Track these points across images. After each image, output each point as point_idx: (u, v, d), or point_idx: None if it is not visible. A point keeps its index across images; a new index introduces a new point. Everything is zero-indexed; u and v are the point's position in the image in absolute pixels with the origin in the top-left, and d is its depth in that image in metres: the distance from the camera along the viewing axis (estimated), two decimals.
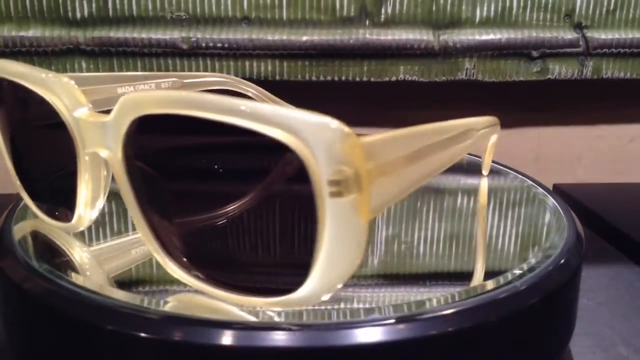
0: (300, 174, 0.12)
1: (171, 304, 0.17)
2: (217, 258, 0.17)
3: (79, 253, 0.20)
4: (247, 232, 0.19)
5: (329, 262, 0.13)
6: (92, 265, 0.19)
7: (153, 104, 0.14)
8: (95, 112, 0.17)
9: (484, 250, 0.22)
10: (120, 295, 0.17)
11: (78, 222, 0.19)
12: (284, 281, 0.15)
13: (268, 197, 0.17)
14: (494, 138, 0.25)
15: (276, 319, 0.16)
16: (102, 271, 0.19)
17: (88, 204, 0.19)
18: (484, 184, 0.27)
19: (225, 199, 0.18)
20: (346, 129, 0.12)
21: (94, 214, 0.19)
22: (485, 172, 0.26)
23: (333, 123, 0.12)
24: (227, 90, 0.30)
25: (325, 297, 0.15)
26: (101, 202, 0.19)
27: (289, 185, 0.16)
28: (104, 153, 0.16)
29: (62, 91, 0.17)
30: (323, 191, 0.12)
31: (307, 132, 0.12)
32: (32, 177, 0.21)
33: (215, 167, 0.18)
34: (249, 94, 0.30)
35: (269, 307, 0.16)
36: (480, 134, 0.19)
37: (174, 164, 0.18)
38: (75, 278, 0.18)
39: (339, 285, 0.14)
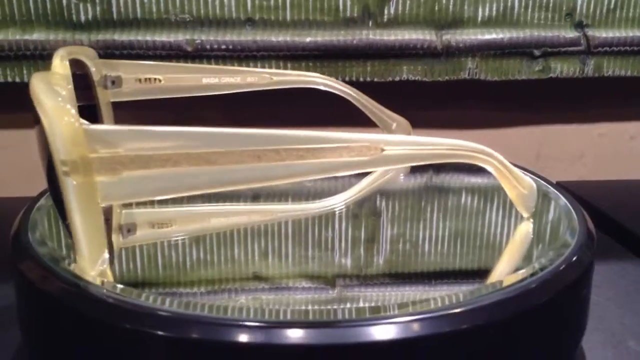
0: None
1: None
2: None
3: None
4: None
5: (81, 235, 0.15)
6: (108, 265, 0.20)
7: None
8: None
9: (496, 249, 0.22)
10: (136, 294, 0.17)
11: None
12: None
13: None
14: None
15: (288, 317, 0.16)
16: (118, 270, 0.19)
17: None
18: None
19: None
20: (80, 120, 0.14)
21: None
22: (525, 214, 0.23)
23: (70, 112, 0.14)
24: (320, 90, 0.29)
25: (92, 271, 0.16)
26: None
27: None
28: None
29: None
30: (59, 169, 0.14)
31: (50, 116, 0.14)
32: None
33: None
34: (343, 95, 0.29)
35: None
36: (389, 153, 0.17)
37: None
38: (91, 278, 0.18)
39: (100, 261, 0.16)
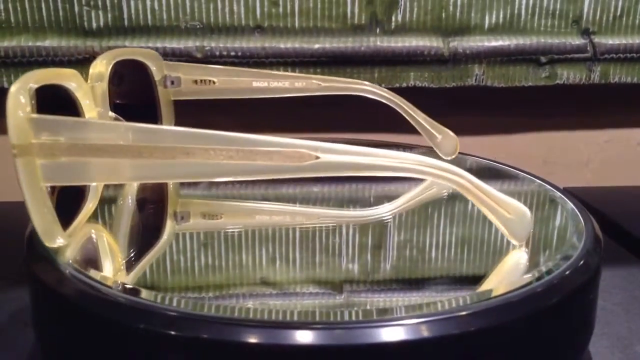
0: None
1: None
2: None
3: (109, 255, 0.20)
4: None
5: (31, 210, 0.17)
6: (122, 266, 0.20)
7: None
8: None
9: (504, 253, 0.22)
10: (148, 295, 0.17)
11: None
12: None
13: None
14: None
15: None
16: (131, 272, 0.20)
17: None
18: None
19: None
20: (29, 109, 0.16)
21: None
22: (516, 242, 0.21)
23: (20, 102, 0.16)
24: (366, 97, 0.29)
25: (52, 244, 0.18)
26: None
27: None
28: None
29: None
30: (12, 151, 0.16)
31: (8, 105, 0.16)
32: None
33: None
34: (391, 104, 0.29)
35: None
36: (324, 160, 0.18)
37: None
38: (106, 280, 0.18)
39: (58, 236, 0.18)
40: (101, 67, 0.24)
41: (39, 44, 0.35)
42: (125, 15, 0.35)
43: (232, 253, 0.22)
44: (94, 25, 0.35)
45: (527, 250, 0.21)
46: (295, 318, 0.17)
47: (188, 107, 0.28)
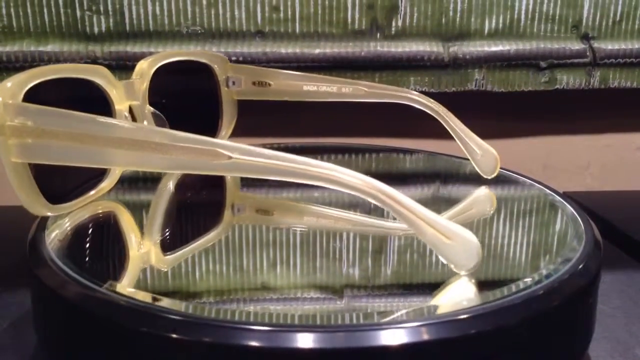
0: None
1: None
2: None
3: (112, 258, 0.20)
4: None
5: (13, 184, 0.20)
6: (125, 268, 0.20)
7: None
8: None
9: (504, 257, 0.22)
10: (151, 299, 0.17)
11: None
12: None
13: None
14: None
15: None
16: (133, 275, 0.20)
17: None
18: (501, 191, 0.28)
19: None
20: (8, 94, 0.19)
21: None
22: (459, 271, 0.19)
23: (6, 87, 0.19)
24: (410, 105, 0.28)
25: (37, 213, 0.21)
26: None
27: None
28: None
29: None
30: None
31: None
32: None
33: None
34: (435, 115, 0.28)
35: None
36: (235, 161, 0.18)
37: None
38: (109, 283, 0.18)
39: (43, 209, 0.21)
40: (145, 64, 0.26)
41: (41, 48, 0.35)
42: (127, 20, 0.36)
43: (233, 256, 0.22)
44: (96, 30, 0.35)
45: (473, 281, 0.19)
46: (297, 321, 0.17)
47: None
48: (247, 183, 0.30)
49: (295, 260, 0.22)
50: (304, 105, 0.31)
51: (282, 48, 0.36)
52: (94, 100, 0.23)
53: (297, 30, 0.37)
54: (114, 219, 0.25)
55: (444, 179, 0.31)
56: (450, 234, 0.18)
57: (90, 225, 0.23)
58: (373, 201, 0.18)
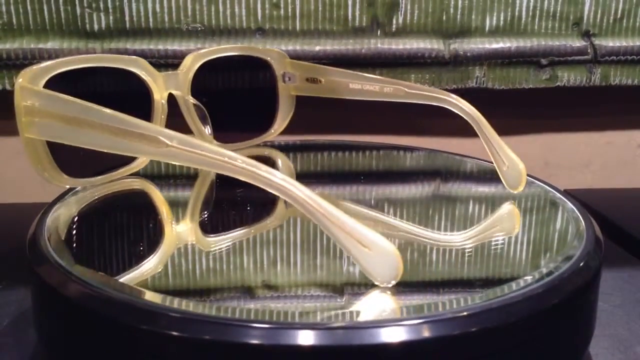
0: None
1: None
2: None
3: (111, 254, 0.20)
4: None
5: (28, 156, 0.23)
6: (125, 266, 0.20)
7: None
8: None
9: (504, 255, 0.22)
10: (151, 295, 0.17)
11: None
12: None
13: None
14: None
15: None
16: (134, 272, 0.20)
17: None
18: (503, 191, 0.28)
19: None
20: (22, 81, 0.21)
21: None
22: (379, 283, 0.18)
23: (27, 71, 0.22)
24: (445, 108, 0.28)
25: (53, 183, 0.23)
26: None
27: None
28: None
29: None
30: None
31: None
32: None
33: None
34: (470, 121, 0.27)
35: None
36: (174, 150, 0.19)
37: None
38: (108, 280, 0.18)
39: (60, 181, 0.24)
40: (191, 58, 0.28)
41: (41, 46, 0.35)
42: (127, 18, 0.35)
43: (233, 255, 0.22)
44: (96, 27, 0.35)
45: (390, 292, 0.18)
46: (297, 318, 0.17)
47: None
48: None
49: (296, 258, 0.22)
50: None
51: (283, 45, 0.36)
52: (133, 89, 0.25)
53: (298, 27, 0.37)
54: (124, 209, 0.25)
55: (444, 177, 0.31)
56: (369, 242, 0.17)
57: (91, 222, 0.24)
58: (292, 202, 0.18)
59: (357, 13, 0.37)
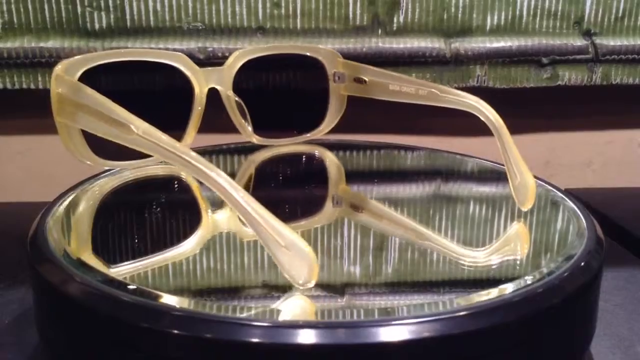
0: None
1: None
2: None
3: (112, 253, 0.21)
4: None
5: (62, 141, 0.25)
6: (125, 265, 0.20)
7: None
8: None
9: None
10: (152, 294, 0.17)
11: None
12: None
13: None
14: None
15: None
16: (133, 269, 0.20)
17: None
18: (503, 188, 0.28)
19: None
20: (60, 73, 0.24)
21: None
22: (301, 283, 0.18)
23: (56, 72, 0.24)
24: (471, 113, 0.27)
25: (81, 160, 0.25)
26: None
27: None
28: None
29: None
30: None
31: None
32: None
33: None
34: (492, 129, 0.27)
35: None
36: (138, 137, 0.21)
37: None
38: (110, 279, 0.18)
39: (86, 160, 0.26)
40: (234, 56, 0.29)
41: (41, 45, 0.35)
42: (128, 17, 0.35)
43: (234, 254, 0.22)
44: (97, 26, 0.35)
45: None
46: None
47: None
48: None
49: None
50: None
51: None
52: (175, 82, 0.28)
53: (299, 26, 0.37)
54: (128, 204, 0.25)
55: (446, 177, 0.31)
56: (288, 242, 0.17)
57: (92, 219, 0.24)
58: (228, 203, 0.18)
59: (358, 12, 0.37)
